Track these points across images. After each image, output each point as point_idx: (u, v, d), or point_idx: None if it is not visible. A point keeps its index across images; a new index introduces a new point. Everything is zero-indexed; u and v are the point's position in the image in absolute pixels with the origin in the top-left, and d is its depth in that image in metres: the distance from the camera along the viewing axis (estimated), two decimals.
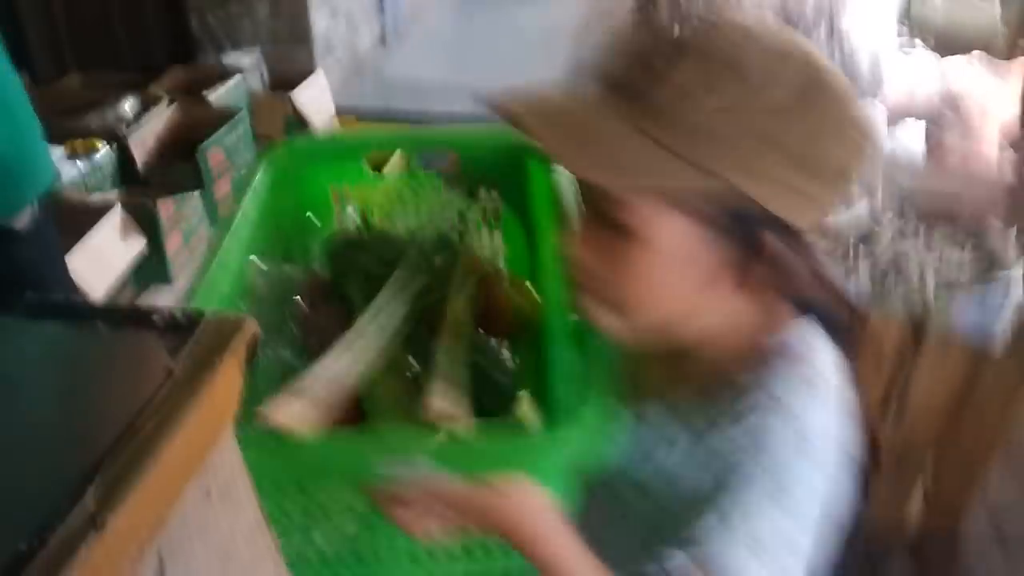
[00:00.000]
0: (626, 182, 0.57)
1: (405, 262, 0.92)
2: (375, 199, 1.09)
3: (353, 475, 0.63)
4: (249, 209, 0.92)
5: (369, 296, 0.86)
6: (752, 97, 0.55)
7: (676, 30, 0.57)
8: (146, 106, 2.50)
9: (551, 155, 0.61)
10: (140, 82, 2.64)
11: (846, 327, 0.70)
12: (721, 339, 0.67)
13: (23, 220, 1.19)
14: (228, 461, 0.42)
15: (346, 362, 0.76)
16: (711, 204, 0.57)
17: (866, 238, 2.01)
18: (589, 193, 0.64)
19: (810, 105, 0.56)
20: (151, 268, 2.18)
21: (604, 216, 0.61)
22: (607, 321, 0.66)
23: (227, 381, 0.38)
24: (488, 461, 0.63)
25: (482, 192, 1.06)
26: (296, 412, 0.68)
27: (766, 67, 0.56)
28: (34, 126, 1.24)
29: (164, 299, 2.17)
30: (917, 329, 1.71)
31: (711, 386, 0.67)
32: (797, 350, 0.65)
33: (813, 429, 0.62)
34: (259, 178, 0.98)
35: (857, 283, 1.97)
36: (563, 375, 0.73)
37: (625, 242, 0.61)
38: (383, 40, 3.65)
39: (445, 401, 0.72)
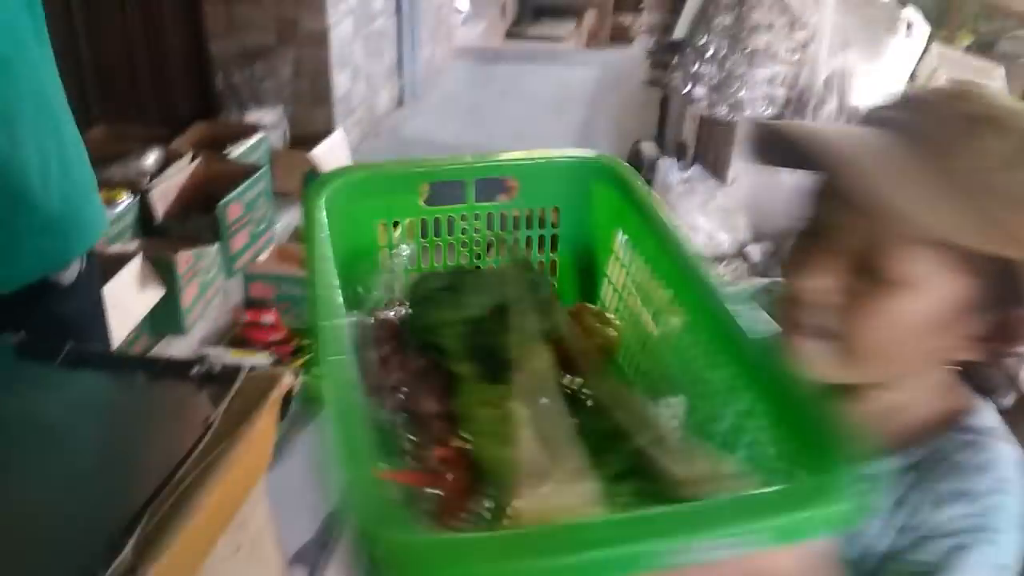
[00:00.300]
0: (940, 233, 0.56)
1: (513, 302, 0.79)
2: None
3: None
4: (322, 250, 0.80)
5: (468, 342, 0.75)
6: None
7: (981, 104, 0.60)
8: (169, 160, 2.55)
9: (873, 192, 0.57)
10: (165, 136, 2.70)
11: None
12: (914, 406, 0.67)
13: (71, 273, 1.17)
14: (258, 515, 0.42)
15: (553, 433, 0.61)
16: (992, 274, 0.58)
17: None
18: (857, 234, 0.61)
19: None
20: (166, 318, 2.19)
21: (866, 262, 0.60)
22: (824, 364, 0.64)
23: (263, 434, 0.39)
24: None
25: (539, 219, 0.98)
26: (548, 499, 0.56)
27: None
28: (90, 181, 1.24)
29: (178, 348, 2.18)
30: None
31: (914, 452, 0.66)
32: (999, 433, 0.66)
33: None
34: (317, 216, 0.87)
35: None
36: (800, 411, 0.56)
37: (887, 291, 0.60)
38: (400, 101, 3.74)
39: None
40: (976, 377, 0.67)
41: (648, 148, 3.09)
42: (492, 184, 0.98)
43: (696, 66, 2.37)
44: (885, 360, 0.63)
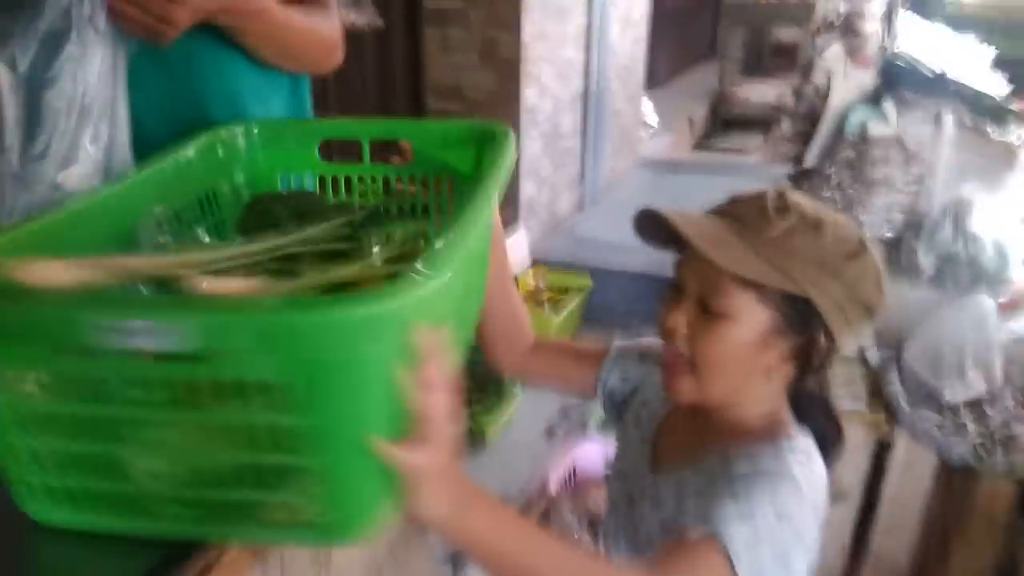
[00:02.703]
0: (741, 275, 0.81)
1: (321, 223, 0.89)
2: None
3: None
4: (168, 168, 0.94)
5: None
6: (826, 246, 0.83)
7: (779, 199, 0.85)
8: None
9: (696, 247, 0.82)
10: None
11: (831, 447, 0.94)
12: (750, 418, 0.90)
13: None
14: None
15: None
16: (788, 306, 0.84)
17: (975, 406, 2.20)
18: (696, 283, 0.86)
19: (860, 261, 0.84)
20: None
21: (704, 302, 0.85)
22: (682, 381, 0.88)
23: None
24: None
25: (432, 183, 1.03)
26: (57, 271, 0.68)
27: (836, 232, 0.84)
28: None
29: None
30: None
31: (731, 451, 0.87)
32: (803, 446, 0.88)
33: (809, 499, 0.82)
34: (193, 148, 0.99)
35: (964, 444, 2.17)
36: None
37: (719, 323, 0.84)
38: (580, 206, 4.30)
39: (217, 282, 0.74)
40: (799, 406, 0.92)
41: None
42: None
43: (823, 191, 2.70)
44: (721, 375, 0.86)
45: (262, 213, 0.96)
